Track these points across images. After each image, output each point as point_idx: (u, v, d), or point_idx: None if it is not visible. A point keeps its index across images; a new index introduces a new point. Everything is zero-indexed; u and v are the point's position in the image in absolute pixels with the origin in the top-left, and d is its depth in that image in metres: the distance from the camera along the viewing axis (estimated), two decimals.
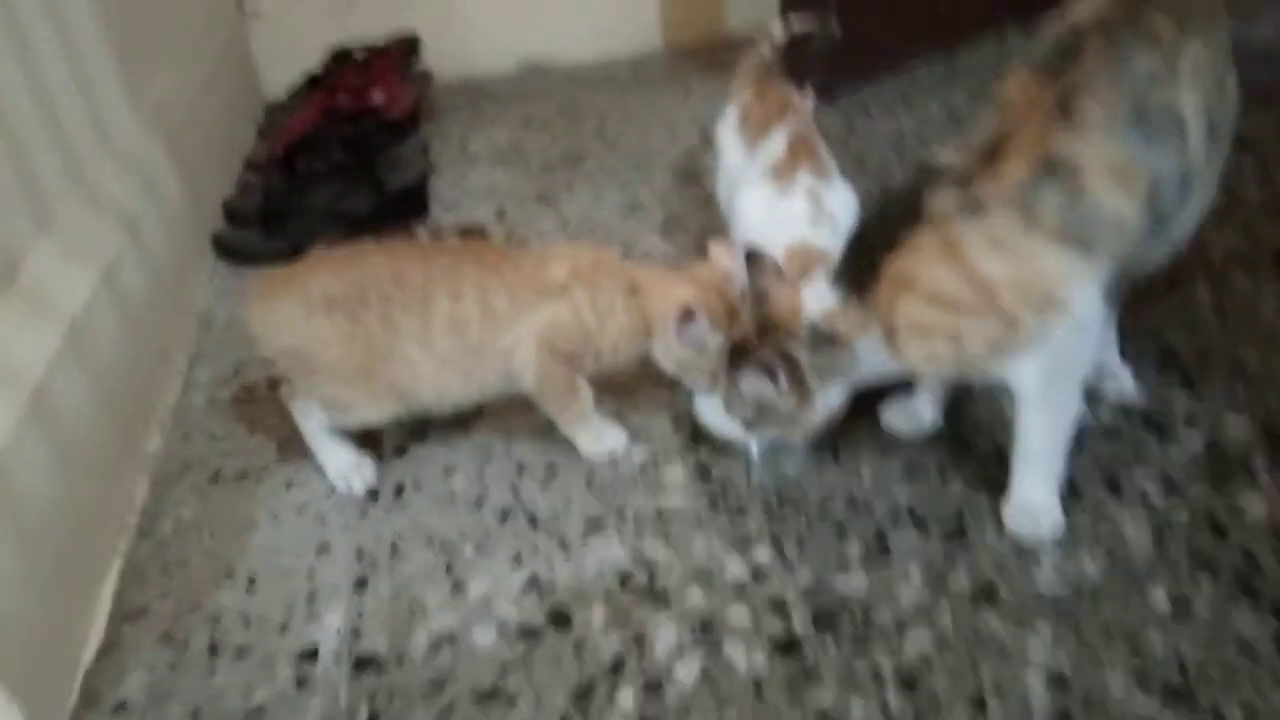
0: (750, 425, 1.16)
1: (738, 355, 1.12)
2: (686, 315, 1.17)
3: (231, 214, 1.97)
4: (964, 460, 1.19)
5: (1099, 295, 1.00)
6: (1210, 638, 0.95)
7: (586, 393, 1.26)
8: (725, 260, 1.25)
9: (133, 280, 1.45)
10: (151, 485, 1.33)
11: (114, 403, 1.29)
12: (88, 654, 1.08)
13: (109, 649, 1.10)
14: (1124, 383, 1.24)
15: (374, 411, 1.25)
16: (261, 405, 1.45)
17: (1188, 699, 0.90)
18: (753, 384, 1.09)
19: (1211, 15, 1.03)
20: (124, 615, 1.13)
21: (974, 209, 0.96)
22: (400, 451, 1.33)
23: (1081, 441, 1.15)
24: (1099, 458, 1.16)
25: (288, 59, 2.40)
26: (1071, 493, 1.11)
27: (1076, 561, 1.04)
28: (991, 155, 0.98)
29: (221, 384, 1.52)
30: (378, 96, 2.14)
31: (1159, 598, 0.99)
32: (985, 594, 1.02)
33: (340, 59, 2.30)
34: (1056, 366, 1.01)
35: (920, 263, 0.98)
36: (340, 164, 1.92)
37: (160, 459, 1.38)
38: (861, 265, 1.03)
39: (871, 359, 1.05)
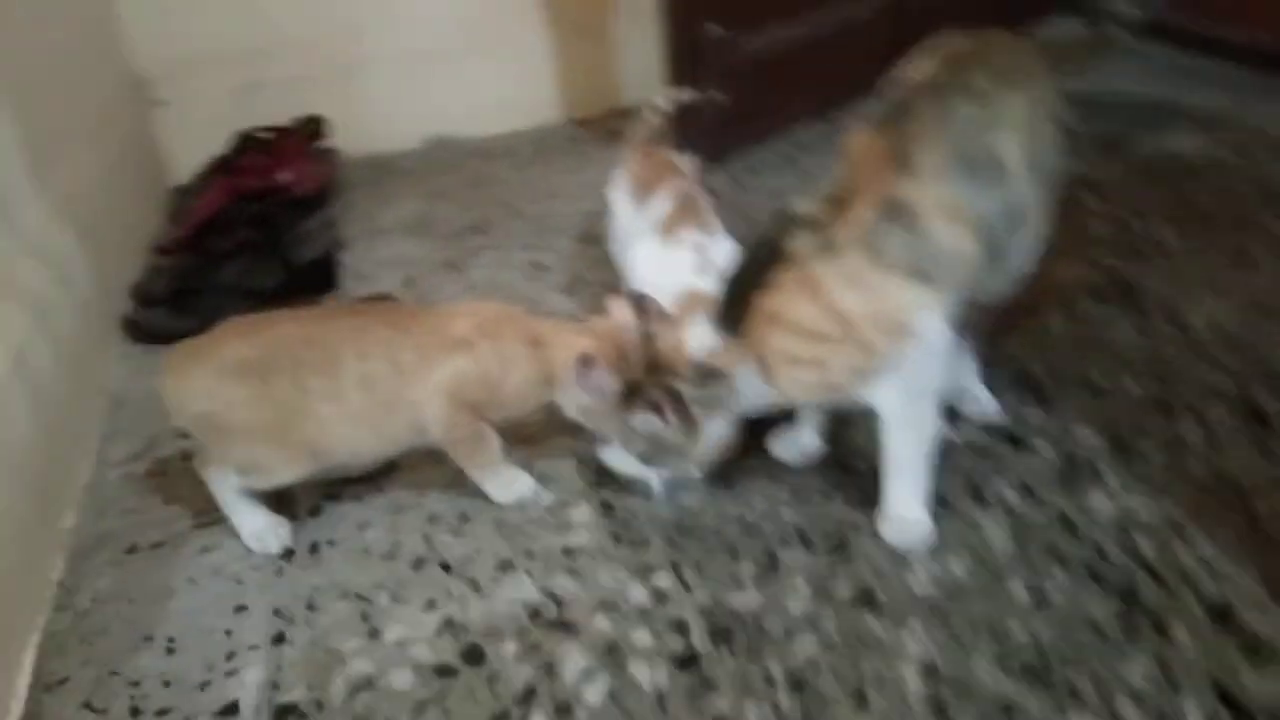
0: (647, 459, 1.24)
1: (629, 395, 1.20)
2: (586, 363, 1.25)
3: (140, 297, 2.00)
4: (845, 482, 1.29)
5: (947, 322, 1.11)
6: (1064, 622, 1.05)
7: (494, 441, 1.33)
8: (622, 313, 1.34)
9: (43, 362, 1.48)
10: (68, 560, 1.34)
11: (28, 481, 1.32)
12: None
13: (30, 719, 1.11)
14: (984, 404, 1.36)
15: (289, 472, 1.29)
16: (175, 478, 1.48)
17: (1045, 677, 1.00)
18: (643, 420, 1.18)
19: (1028, 73, 1.17)
20: (44, 685, 1.15)
21: (829, 250, 1.08)
22: (315, 511, 1.38)
23: (947, 457, 1.26)
24: (963, 471, 1.27)
25: (194, 144, 2.45)
26: (940, 503, 1.22)
27: (945, 564, 1.14)
28: (841, 202, 1.09)
29: (135, 460, 1.55)
30: (284, 176, 2.19)
31: (1018, 590, 1.10)
32: (865, 599, 1.12)
33: (247, 141, 2.36)
34: (912, 388, 1.11)
35: (785, 300, 1.09)
36: (247, 241, 1.97)
37: (76, 534, 1.39)
38: (736, 305, 1.13)
39: (750, 390, 1.15)
